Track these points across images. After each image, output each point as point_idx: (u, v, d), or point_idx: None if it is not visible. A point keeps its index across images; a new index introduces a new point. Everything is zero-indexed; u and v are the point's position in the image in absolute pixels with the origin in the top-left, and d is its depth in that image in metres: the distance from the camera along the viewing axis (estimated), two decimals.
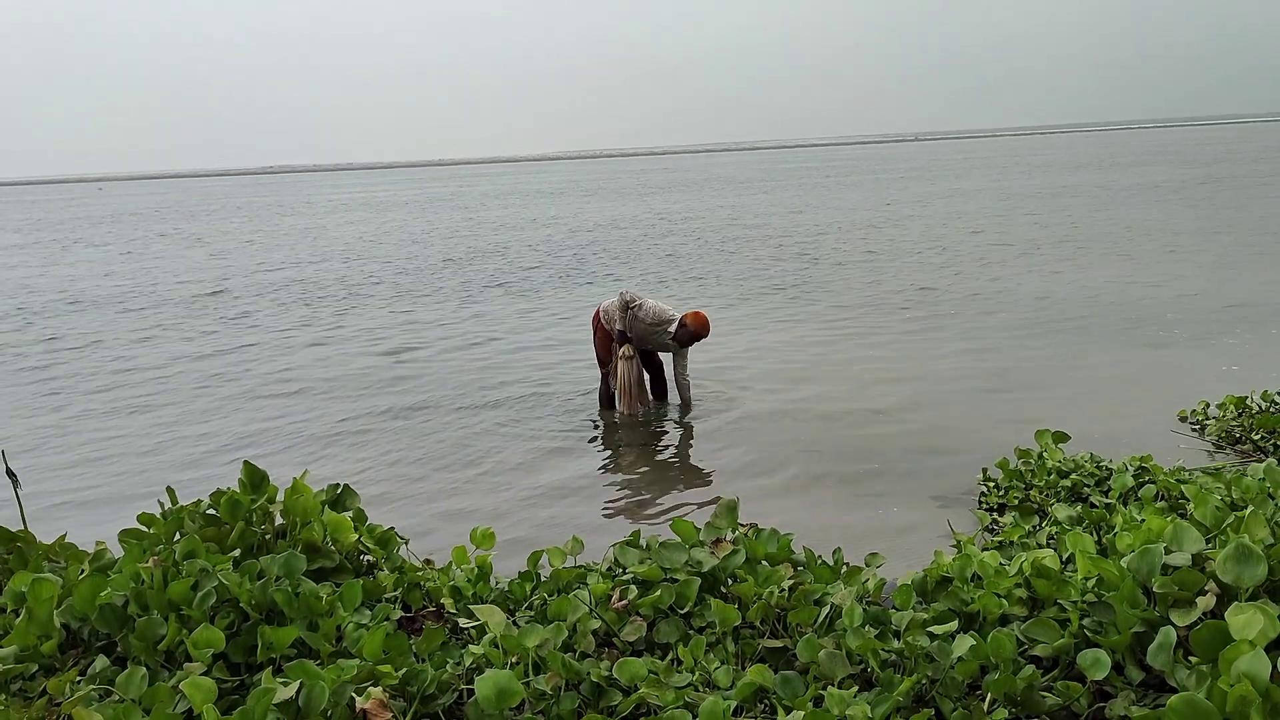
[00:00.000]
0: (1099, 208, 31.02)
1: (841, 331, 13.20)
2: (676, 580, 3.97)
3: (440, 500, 7.34)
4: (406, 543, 4.83)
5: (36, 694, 3.61)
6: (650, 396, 9.92)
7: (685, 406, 9.66)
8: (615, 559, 4.28)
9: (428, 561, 4.87)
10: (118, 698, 3.38)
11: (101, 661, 3.63)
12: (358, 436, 9.20)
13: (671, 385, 9.98)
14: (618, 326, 9.61)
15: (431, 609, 4.38)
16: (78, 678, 3.55)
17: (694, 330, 9.34)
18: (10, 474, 5.07)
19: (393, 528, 4.85)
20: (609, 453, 8.35)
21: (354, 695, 3.16)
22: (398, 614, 4.19)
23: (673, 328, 9.47)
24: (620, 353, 9.60)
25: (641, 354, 9.78)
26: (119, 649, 3.75)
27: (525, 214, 42.92)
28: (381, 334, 14.96)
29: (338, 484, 4.85)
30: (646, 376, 9.91)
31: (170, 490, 4.68)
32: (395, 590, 4.36)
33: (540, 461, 8.19)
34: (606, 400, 9.84)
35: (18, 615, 4.05)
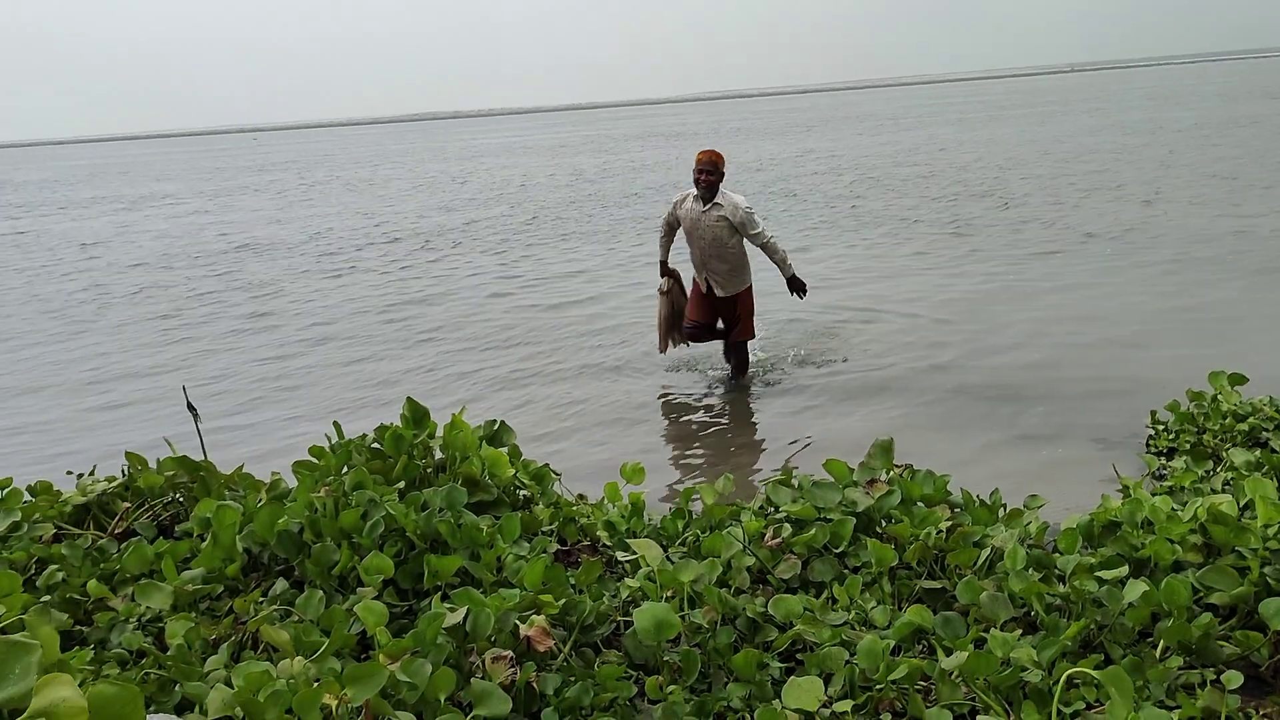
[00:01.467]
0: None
1: (1009, 270, 12.73)
2: (830, 520, 3.94)
3: (592, 438, 7.47)
4: (560, 478, 4.92)
5: (223, 613, 3.85)
6: (679, 335, 8.79)
7: (791, 281, 8.20)
8: (768, 497, 4.27)
9: (581, 497, 4.96)
10: (297, 618, 3.58)
11: (281, 584, 3.85)
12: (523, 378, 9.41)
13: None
14: (661, 247, 8.64)
15: (586, 543, 4.48)
16: (260, 599, 3.77)
17: (698, 166, 7.95)
18: (191, 408, 5.36)
19: (548, 464, 4.95)
20: (755, 392, 8.33)
21: (518, 622, 3.26)
22: (554, 547, 4.30)
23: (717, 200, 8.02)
24: (660, 286, 8.75)
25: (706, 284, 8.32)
26: (296, 573, 3.96)
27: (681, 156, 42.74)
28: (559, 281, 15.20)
29: (494, 420, 4.98)
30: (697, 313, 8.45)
31: (336, 424, 4.88)
32: (551, 524, 4.46)
33: (685, 405, 8.23)
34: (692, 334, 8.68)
35: (203, 540, 4.33)
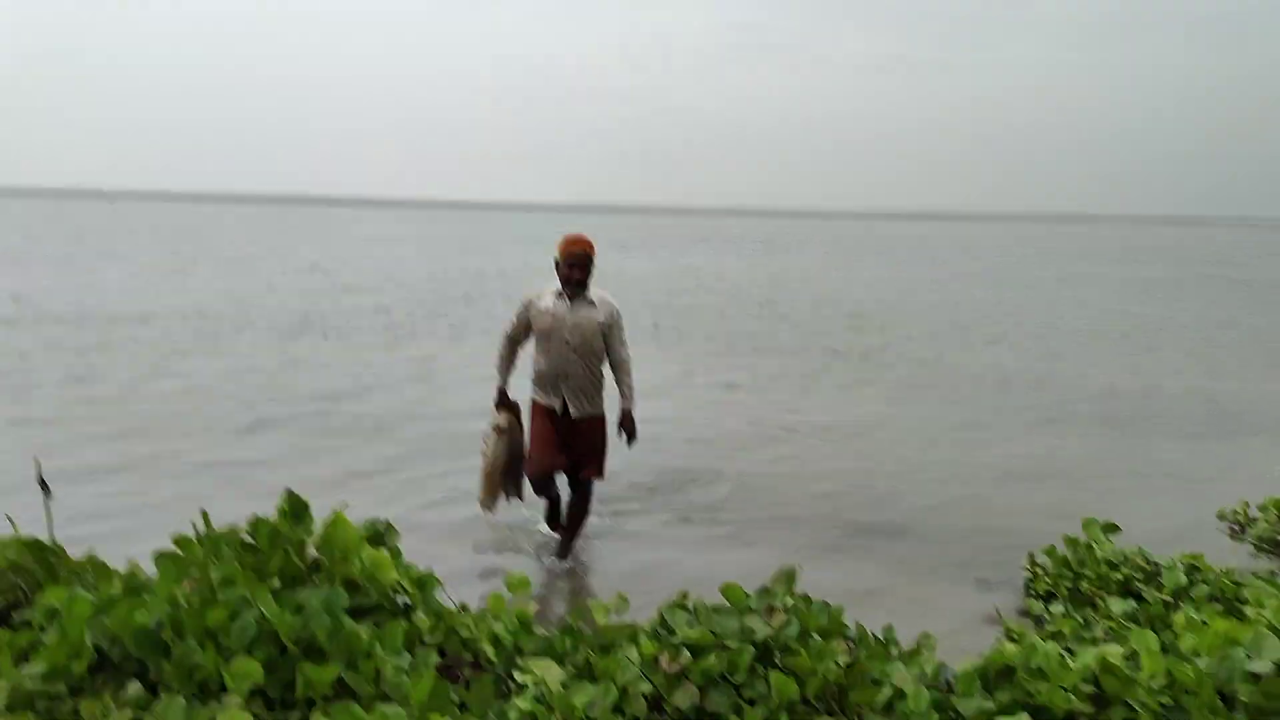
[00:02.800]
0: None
1: (874, 402, 13.09)
2: (728, 648, 3.83)
3: (479, 543, 7.21)
4: (442, 585, 4.70)
5: (65, 716, 3.48)
6: (515, 488, 6.92)
7: (626, 417, 6.85)
8: (663, 620, 4.14)
9: (463, 606, 4.72)
10: None
11: (135, 687, 3.50)
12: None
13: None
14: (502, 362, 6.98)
15: (469, 657, 4.24)
16: (110, 703, 3.42)
17: (570, 257, 6.55)
18: (43, 484, 4.95)
19: (431, 569, 4.72)
20: (643, 505, 8.22)
21: None
22: (436, 659, 4.06)
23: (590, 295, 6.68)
24: (495, 422, 6.78)
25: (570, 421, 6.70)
26: (152, 675, 3.62)
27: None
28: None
29: (378, 518, 4.74)
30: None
31: (204, 513, 4.57)
32: (433, 635, 4.23)
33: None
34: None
35: (44, 631, 3.93)
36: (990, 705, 3.47)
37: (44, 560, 4.36)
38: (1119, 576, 5.35)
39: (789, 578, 4.10)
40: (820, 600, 4.33)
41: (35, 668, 3.58)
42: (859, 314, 24.04)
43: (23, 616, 4.13)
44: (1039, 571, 6.04)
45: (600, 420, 6.73)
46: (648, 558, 7.08)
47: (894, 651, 4.19)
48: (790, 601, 4.20)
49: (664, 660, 3.75)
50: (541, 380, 6.66)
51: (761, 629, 3.89)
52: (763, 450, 10.25)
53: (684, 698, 3.57)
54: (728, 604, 4.08)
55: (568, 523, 6.85)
